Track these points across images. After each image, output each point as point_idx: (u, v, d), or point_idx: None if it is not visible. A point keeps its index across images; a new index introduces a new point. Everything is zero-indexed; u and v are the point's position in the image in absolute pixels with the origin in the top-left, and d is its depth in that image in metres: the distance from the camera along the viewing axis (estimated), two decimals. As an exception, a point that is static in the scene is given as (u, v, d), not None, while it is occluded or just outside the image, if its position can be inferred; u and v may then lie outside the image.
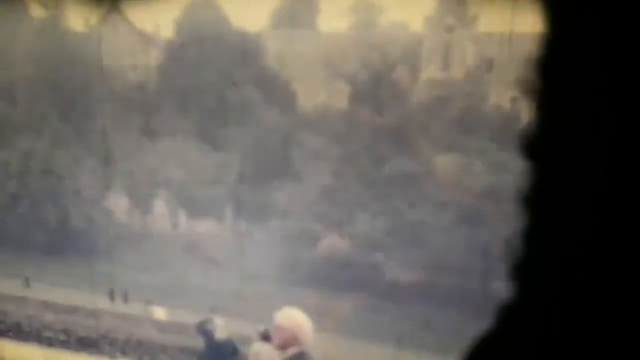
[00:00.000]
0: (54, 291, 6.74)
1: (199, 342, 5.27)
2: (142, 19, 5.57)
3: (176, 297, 5.81)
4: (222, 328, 5.21)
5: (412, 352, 4.50)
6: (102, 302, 6.29)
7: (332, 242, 4.68)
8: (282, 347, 3.89)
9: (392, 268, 4.46)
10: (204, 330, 5.05)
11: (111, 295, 6.28)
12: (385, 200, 4.42)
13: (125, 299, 6.16)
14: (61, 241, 6.46)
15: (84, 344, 6.28)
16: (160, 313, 6.04)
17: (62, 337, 6.47)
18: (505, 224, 4.00)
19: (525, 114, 3.75)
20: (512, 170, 3.57)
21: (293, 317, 3.94)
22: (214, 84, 5.06)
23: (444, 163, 4.22)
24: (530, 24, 3.69)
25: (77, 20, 6.12)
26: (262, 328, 5.10)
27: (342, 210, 4.67)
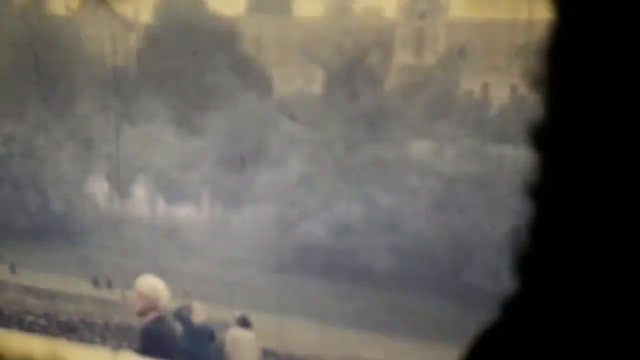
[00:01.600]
0: (37, 277, 6.74)
1: (178, 327, 5.28)
2: (121, 3, 5.49)
3: (155, 281, 5.83)
4: (199, 313, 5.23)
5: (388, 337, 4.51)
6: (83, 287, 6.29)
7: (309, 228, 4.66)
8: (143, 312, 4.07)
9: (367, 254, 4.44)
10: (181, 316, 5.07)
11: (95, 281, 6.28)
12: (361, 186, 4.38)
13: (110, 284, 6.16)
14: (43, 226, 6.43)
15: (64, 328, 6.29)
16: (139, 298, 6.07)
17: (42, 321, 6.50)
18: (476, 210, 4.00)
19: (495, 101, 3.75)
20: (482, 157, 3.56)
21: (152, 285, 4.13)
22: (192, 68, 5.00)
23: (417, 149, 4.18)
24: (501, 11, 3.69)
25: (58, 4, 6.07)
26: (239, 313, 5.13)
27: (319, 196, 4.64)
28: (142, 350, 3.92)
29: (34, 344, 4.91)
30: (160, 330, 3.82)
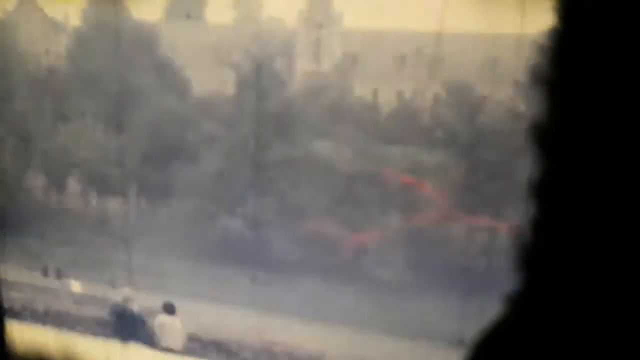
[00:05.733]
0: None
1: (111, 314, 5.45)
2: (53, 7, 5.56)
3: (89, 270, 5.94)
4: (133, 301, 5.40)
5: (301, 321, 4.72)
6: (27, 275, 6.41)
7: (227, 221, 4.81)
8: None
9: (279, 245, 4.59)
10: (116, 310, 5.24)
11: (45, 271, 6.38)
12: (271, 182, 4.53)
13: (58, 275, 6.28)
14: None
15: (8, 314, 6.41)
16: (75, 286, 6.14)
17: (-13, 307, 6.62)
18: (371, 205, 4.19)
19: (384, 105, 3.94)
20: (374, 156, 3.73)
21: None
22: (117, 69, 5.11)
23: (320, 149, 4.32)
24: (389, 22, 3.87)
25: (-6, 6, 6.16)
26: (165, 301, 5.31)
27: (234, 191, 4.78)
28: None
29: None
30: None
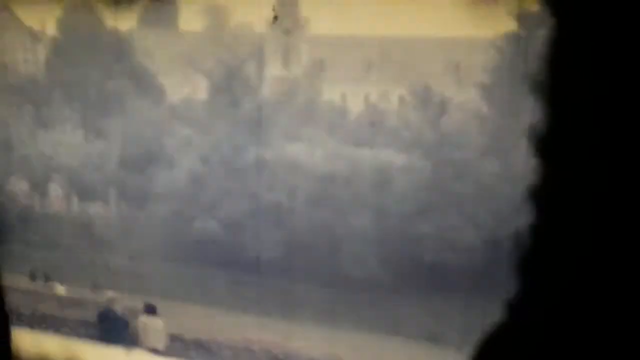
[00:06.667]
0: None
1: (95, 316, 5.45)
2: (30, 17, 5.55)
3: (73, 273, 5.95)
4: (118, 303, 5.41)
5: (275, 320, 4.75)
6: (14, 280, 6.40)
7: (203, 223, 4.82)
8: None
9: (255, 246, 4.61)
10: (104, 316, 5.25)
11: (32, 276, 6.37)
12: (247, 185, 4.54)
13: (46, 278, 6.26)
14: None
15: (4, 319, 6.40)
16: (60, 289, 6.14)
17: (-26, 312, 6.61)
18: (343, 205, 4.21)
19: (352, 108, 3.96)
20: (344, 158, 3.76)
21: None
22: (94, 77, 5.12)
23: (292, 151, 4.33)
24: (355, 28, 3.89)
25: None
26: (146, 302, 5.32)
27: (210, 194, 4.80)
28: None
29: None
30: None
